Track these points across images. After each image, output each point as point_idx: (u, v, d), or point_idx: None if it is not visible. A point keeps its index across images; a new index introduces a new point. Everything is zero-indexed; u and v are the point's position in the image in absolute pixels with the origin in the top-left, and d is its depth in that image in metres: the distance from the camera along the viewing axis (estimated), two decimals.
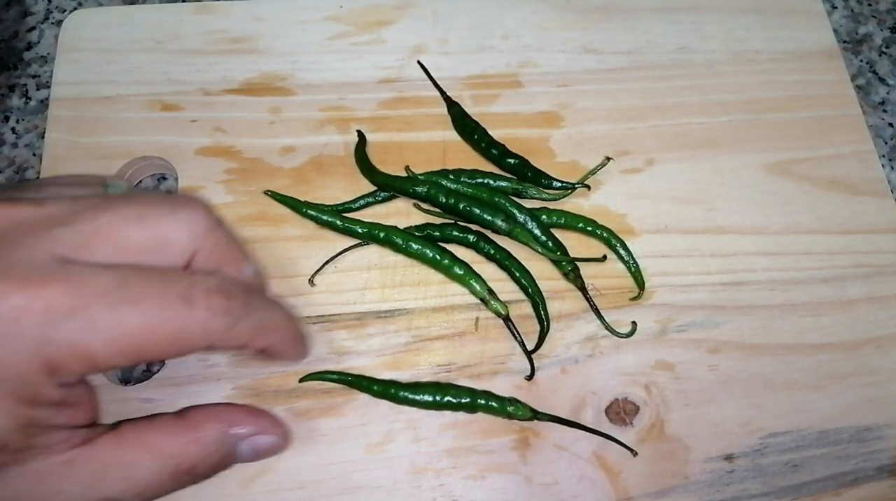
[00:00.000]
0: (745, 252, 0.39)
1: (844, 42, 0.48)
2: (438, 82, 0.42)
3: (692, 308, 0.38)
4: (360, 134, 0.40)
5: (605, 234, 0.39)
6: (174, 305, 0.23)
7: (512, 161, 0.39)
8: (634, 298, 0.38)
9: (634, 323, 0.37)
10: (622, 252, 0.38)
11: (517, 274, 0.37)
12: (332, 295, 0.37)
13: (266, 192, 0.38)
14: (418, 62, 0.42)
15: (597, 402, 0.36)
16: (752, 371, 0.37)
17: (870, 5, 0.50)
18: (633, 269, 0.38)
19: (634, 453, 0.34)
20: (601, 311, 0.37)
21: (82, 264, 0.23)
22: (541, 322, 0.36)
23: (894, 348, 0.38)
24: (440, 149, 0.41)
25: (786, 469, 0.35)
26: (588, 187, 0.40)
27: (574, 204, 0.40)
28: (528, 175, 0.39)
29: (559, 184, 0.39)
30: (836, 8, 0.49)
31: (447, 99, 0.41)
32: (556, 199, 0.39)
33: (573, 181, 0.39)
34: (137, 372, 0.36)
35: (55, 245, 0.23)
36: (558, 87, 0.43)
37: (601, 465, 0.35)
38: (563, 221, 0.39)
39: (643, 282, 0.38)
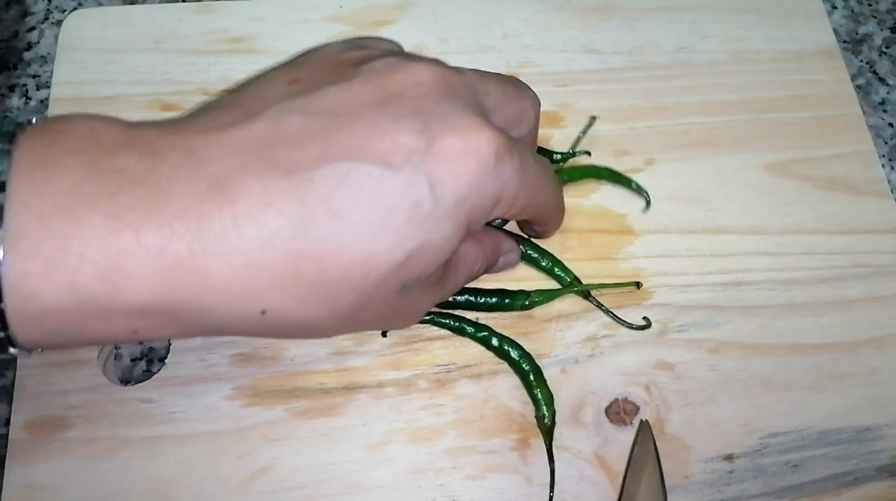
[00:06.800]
0: (745, 252, 0.39)
1: (844, 42, 0.48)
2: None
3: (692, 308, 0.38)
4: None
5: (607, 173, 0.40)
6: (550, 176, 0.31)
7: None
8: (645, 209, 0.39)
9: (647, 319, 0.37)
10: (625, 182, 0.40)
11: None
12: None
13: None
14: None
15: (597, 402, 0.36)
16: (752, 371, 0.37)
17: (870, 5, 0.50)
18: (635, 187, 0.40)
19: None
20: (602, 310, 0.37)
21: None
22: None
23: (894, 348, 0.38)
24: None
25: (786, 469, 0.35)
26: (588, 153, 0.40)
27: (574, 204, 0.40)
28: None
29: (559, 157, 0.40)
30: (836, 8, 0.49)
31: None
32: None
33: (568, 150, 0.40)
34: (137, 372, 0.36)
35: (478, 108, 0.27)
36: (558, 87, 0.43)
37: (601, 465, 0.35)
38: (565, 178, 0.39)
39: (649, 199, 0.39)
